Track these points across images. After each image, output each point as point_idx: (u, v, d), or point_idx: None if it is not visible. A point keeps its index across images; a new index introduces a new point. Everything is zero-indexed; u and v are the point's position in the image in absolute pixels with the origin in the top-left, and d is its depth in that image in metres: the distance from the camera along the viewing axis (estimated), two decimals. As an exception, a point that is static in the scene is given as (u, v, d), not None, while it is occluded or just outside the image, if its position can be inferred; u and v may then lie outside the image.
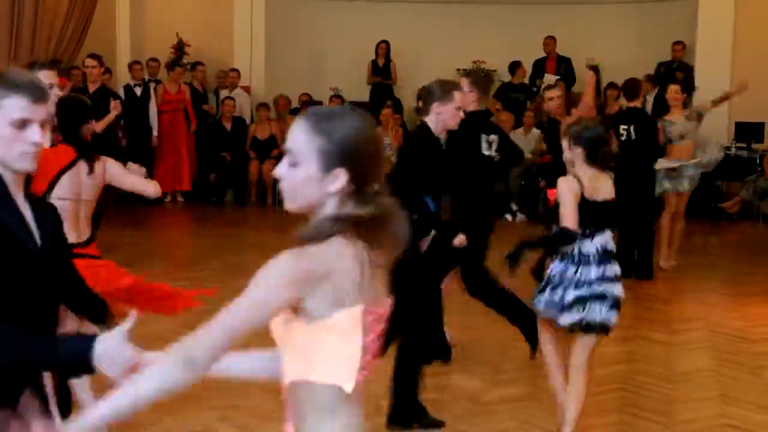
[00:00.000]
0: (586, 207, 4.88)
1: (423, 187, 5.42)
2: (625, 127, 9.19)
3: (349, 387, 2.26)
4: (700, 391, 6.23)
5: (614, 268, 4.95)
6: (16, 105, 2.66)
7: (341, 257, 2.19)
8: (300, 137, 2.25)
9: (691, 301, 8.78)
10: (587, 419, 5.58)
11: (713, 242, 11.62)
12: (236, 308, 2.16)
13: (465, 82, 6.44)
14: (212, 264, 9.71)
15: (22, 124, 2.68)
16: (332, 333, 2.20)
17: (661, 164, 9.48)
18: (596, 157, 4.94)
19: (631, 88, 9.53)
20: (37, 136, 2.69)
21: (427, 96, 5.60)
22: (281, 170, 2.28)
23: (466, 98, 6.15)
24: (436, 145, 5.55)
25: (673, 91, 9.85)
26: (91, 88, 10.91)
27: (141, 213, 12.56)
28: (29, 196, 2.85)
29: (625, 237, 8.98)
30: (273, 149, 14.01)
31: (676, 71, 14.37)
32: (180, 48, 14.84)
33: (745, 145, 13.90)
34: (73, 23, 13.83)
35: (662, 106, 11.20)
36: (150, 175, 13.17)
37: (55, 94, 5.25)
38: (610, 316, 4.90)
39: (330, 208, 2.26)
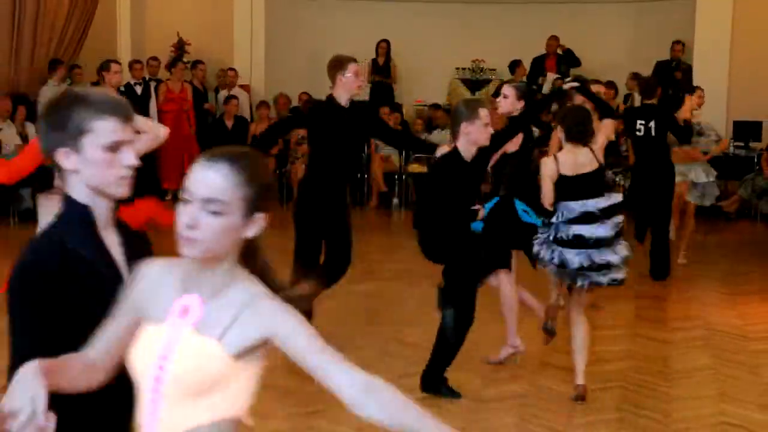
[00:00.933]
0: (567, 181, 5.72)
1: (464, 214, 5.76)
2: (642, 122, 9.22)
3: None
4: (699, 389, 6.26)
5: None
6: (108, 128, 2.46)
7: None
8: (224, 186, 2.16)
9: (690, 299, 8.80)
10: (585, 417, 5.62)
11: (711, 241, 11.63)
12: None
13: (512, 92, 6.40)
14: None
15: (116, 147, 2.47)
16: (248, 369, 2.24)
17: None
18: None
19: (648, 86, 9.58)
20: (131, 158, 2.49)
21: (454, 118, 5.76)
22: (196, 218, 2.16)
23: (516, 105, 6.27)
24: (465, 169, 5.71)
25: (697, 96, 9.98)
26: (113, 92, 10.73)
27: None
28: (121, 226, 2.62)
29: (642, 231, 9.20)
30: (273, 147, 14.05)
31: (675, 71, 14.41)
32: (180, 47, 14.87)
33: (743, 144, 13.93)
34: (74, 23, 13.87)
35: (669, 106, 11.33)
36: (153, 173, 13.32)
37: None
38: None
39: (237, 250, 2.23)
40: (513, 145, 6.17)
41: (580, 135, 5.75)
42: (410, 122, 14.97)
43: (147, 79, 14.23)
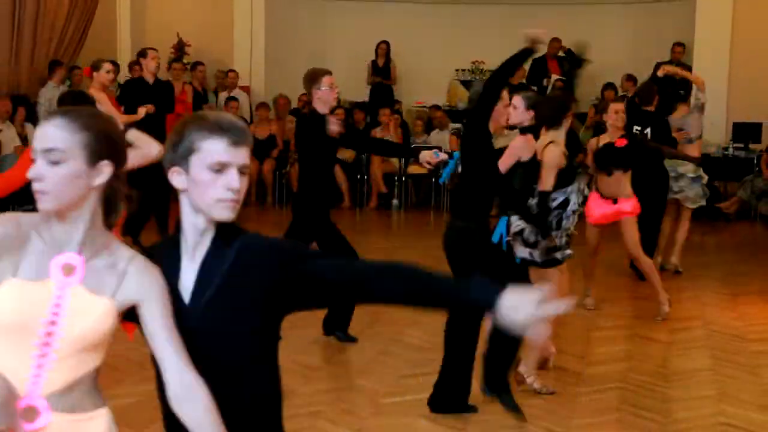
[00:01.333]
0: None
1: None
2: (639, 128, 9.22)
3: None
4: (698, 389, 6.26)
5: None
6: (215, 148, 2.44)
7: None
8: (60, 135, 2.32)
9: (689, 300, 8.81)
10: (585, 418, 5.63)
11: (711, 242, 11.65)
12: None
13: (521, 102, 6.35)
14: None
15: (220, 169, 2.44)
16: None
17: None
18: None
19: (646, 93, 9.57)
20: (235, 181, 2.44)
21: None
22: (40, 171, 2.32)
23: (526, 116, 6.22)
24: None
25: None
26: (151, 78, 10.50)
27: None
28: (219, 250, 2.51)
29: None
30: (273, 149, 14.06)
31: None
32: (180, 48, 14.88)
33: (742, 146, 13.94)
34: (74, 23, 13.88)
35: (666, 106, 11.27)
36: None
37: None
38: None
39: (92, 202, 2.39)
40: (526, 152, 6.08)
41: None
42: (410, 123, 14.98)
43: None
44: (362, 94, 15.34)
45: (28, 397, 2.34)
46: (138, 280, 2.39)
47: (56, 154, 2.30)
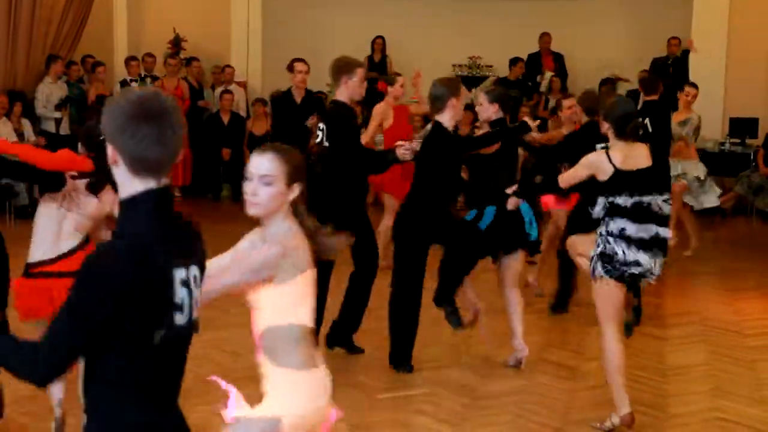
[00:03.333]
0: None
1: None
2: (639, 120, 9.21)
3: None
4: (694, 384, 6.28)
5: None
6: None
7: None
8: (270, 165, 3.30)
9: (686, 295, 8.82)
10: (582, 413, 5.64)
11: (707, 237, 11.65)
12: None
13: (484, 98, 6.50)
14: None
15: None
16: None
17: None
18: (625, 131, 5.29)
19: (650, 82, 9.59)
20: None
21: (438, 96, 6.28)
22: (256, 189, 3.30)
23: (491, 110, 6.41)
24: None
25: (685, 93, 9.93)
26: (298, 95, 10.12)
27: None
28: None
29: None
30: (270, 145, 14.06)
31: (670, 66, 14.41)
32: (177, 43, 14.86)
33: (739, 141, 13.94)
34: (71, 18, 13.85)
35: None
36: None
37: None
38: None
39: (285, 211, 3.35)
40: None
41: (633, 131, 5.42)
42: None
43: (143, 75, 14.22)
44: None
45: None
46: None
47: (268, 179, 3.26)
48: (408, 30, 15.69)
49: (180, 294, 2.37)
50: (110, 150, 2.36)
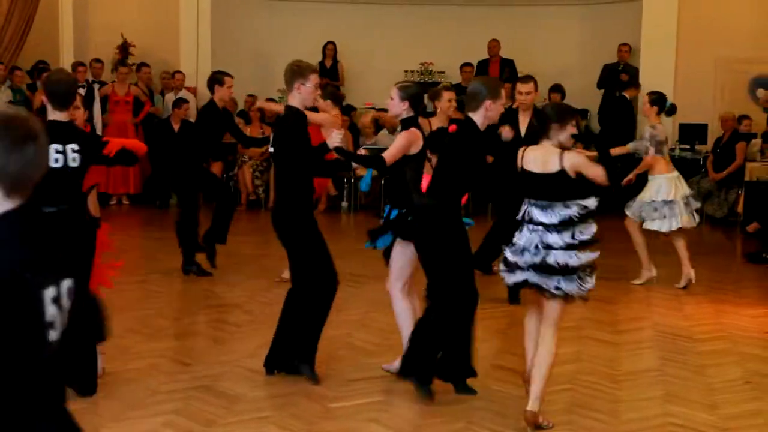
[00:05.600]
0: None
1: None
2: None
3: None
4: (646, 390, 6.28)
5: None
6: None
7: None
8: None
9: (637, 301, 8.86)
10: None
11: (657, 243, 11.72)
12: None
13: (396, 93, 6.51)
14: (157, 267, 9.68)
15: None
16: None
17: None
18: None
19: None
20: None
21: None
22: None
23: (401, 107, 6.46)
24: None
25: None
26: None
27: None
28: None
29: None
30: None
31: (621, 73, 14.53)
32: (124, 49, 14.69)
33: (688, 147, 14.09)
34: (14, 24, 13.66)
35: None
36: (99, 177, 13.15)
37: None
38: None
39: None
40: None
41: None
42: (358, 125, 14.91)
43: (90, 81, 14.03)
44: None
45: None
46: None
47: None
48: (359, 35, 15.67)
49: (51, 312, 2.34)
50: None
